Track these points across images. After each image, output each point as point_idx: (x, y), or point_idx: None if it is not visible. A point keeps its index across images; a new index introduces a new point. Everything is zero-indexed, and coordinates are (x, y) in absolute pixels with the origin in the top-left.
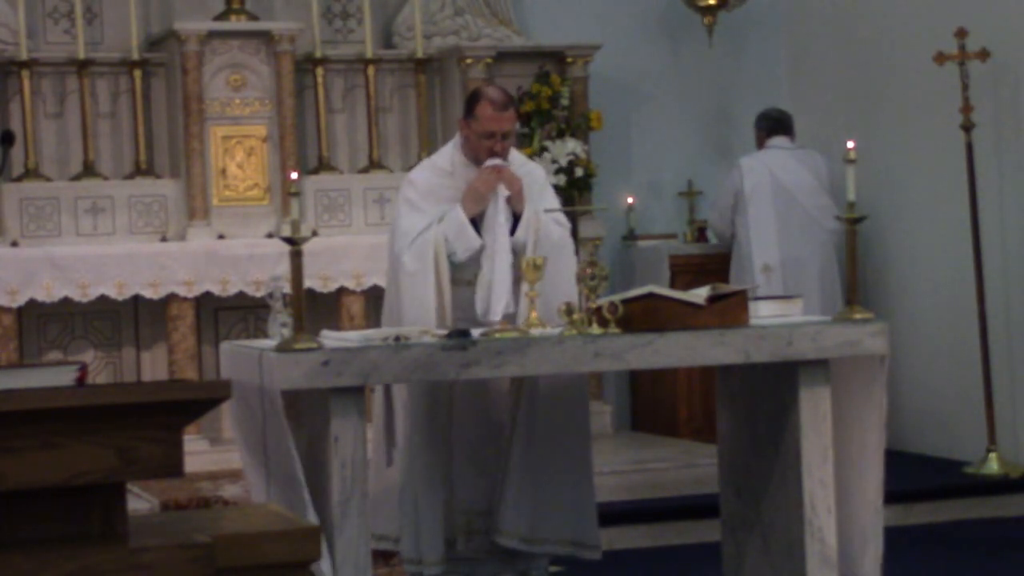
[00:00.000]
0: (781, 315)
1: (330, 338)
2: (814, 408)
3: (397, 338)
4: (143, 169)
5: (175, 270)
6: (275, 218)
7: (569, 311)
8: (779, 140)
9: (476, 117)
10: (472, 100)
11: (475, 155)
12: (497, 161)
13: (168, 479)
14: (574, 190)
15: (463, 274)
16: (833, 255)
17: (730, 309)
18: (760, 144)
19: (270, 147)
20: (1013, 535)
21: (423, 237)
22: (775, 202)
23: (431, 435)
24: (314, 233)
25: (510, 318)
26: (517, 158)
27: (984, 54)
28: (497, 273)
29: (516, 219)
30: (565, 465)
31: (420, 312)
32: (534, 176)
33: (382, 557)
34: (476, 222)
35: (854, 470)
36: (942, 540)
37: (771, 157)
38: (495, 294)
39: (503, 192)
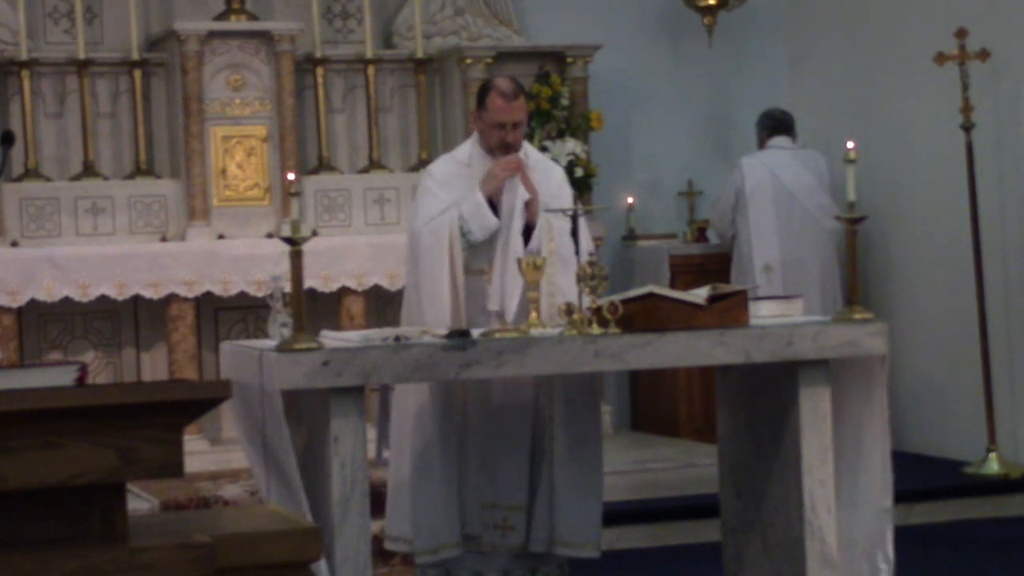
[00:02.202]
0: (781, 315)
1: (330, 338)
2: (814, 408)
3: (397, 338)
4: (143, 169)
5: (175, 270)
6: (275, 218)
7: (569, 311)
8: (780, 140)
9: (487, 108)
10: (483, 92)
11: (488, 146)
12: (520, 156)
13: (168, 479)
14: (574, 190)
15: (476, 263)
16: (833, 255)
17: (730, 309)
18: (762, 144)
19: (270, 147)
20: (1013, 535)
21: (440, 218)
22: (775, 202)
23: (444, 428)
24: (314, 233)
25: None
26: (534, 155)
27: (984, 54)
28: (509, 273)
29: (529, 228)
30: (590, 467)
31: (435, 291)
32: (551, 175)
33: (382, 557)
34: (495, 208)
35: (856, 471)
36: (942, 540)
37: (772, 157)
38: (508, 293)
39: (522, 194)
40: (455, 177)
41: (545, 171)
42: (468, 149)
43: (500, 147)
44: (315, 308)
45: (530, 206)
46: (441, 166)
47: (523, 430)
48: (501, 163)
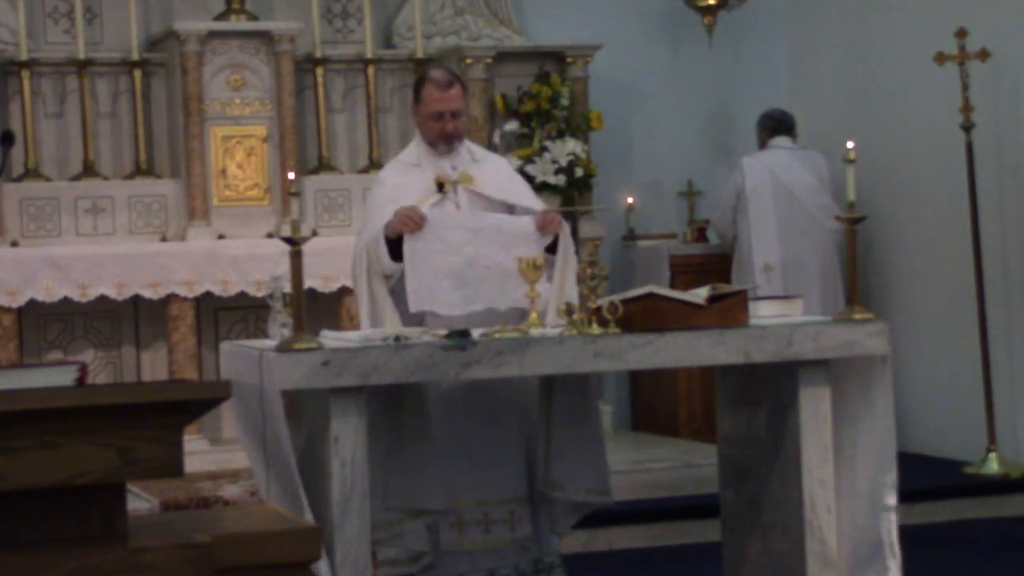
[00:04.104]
0: (781, 315)
1: (330, 338)
2: (814, 408)
3: (397, 338)
4: (143, 169)
5: (175, 270)
6: (275, 218)
7: (569, 311)
8: (781, 140)
9: (422, 100)
10: (417, 85)
11: (429, 140)
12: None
13: (168, 479)
14: (574, 190)
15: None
16: (834, 255)
17: (730, 309)
18: (762, 144)
19: (270, 147)
20: (1013, 535)
21: (364, 251)
22: (775, 202)
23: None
24: (314, 233)
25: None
26: (478, 151)
27: (984, 54)
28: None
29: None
30: (581, 418)
31: (372, 317)
32: (499, 166)
33: None
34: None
35: (856, 471)
36: (942, 540)
37: (772, 157)
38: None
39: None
40: (406, 183)
41: (494, 166)
42: (415, 149)
43: (441, 138)
44: (315, 308)
45: (547, 225)
46: (390, 173)
47: (510, 424)
48: (402, 218)
